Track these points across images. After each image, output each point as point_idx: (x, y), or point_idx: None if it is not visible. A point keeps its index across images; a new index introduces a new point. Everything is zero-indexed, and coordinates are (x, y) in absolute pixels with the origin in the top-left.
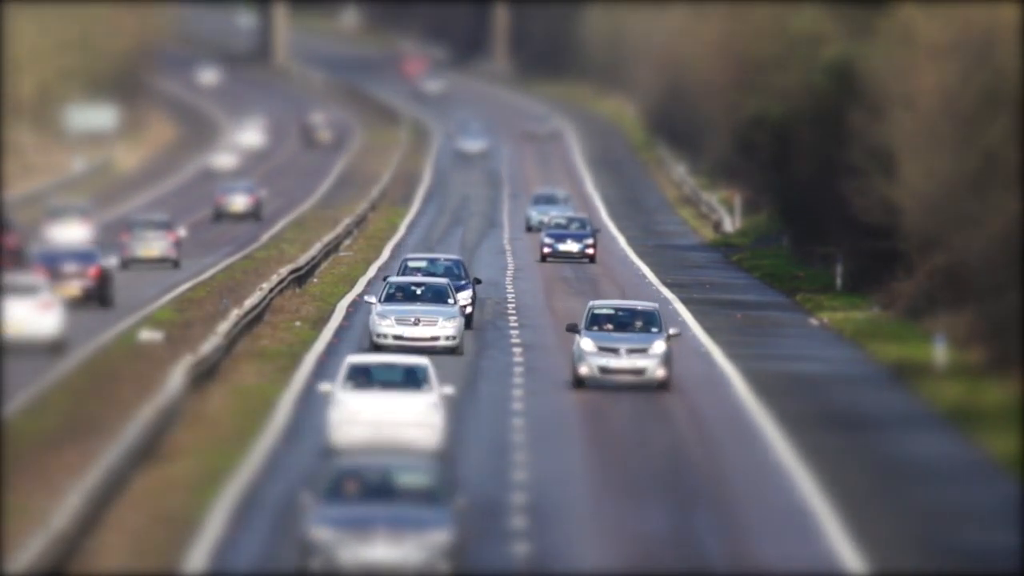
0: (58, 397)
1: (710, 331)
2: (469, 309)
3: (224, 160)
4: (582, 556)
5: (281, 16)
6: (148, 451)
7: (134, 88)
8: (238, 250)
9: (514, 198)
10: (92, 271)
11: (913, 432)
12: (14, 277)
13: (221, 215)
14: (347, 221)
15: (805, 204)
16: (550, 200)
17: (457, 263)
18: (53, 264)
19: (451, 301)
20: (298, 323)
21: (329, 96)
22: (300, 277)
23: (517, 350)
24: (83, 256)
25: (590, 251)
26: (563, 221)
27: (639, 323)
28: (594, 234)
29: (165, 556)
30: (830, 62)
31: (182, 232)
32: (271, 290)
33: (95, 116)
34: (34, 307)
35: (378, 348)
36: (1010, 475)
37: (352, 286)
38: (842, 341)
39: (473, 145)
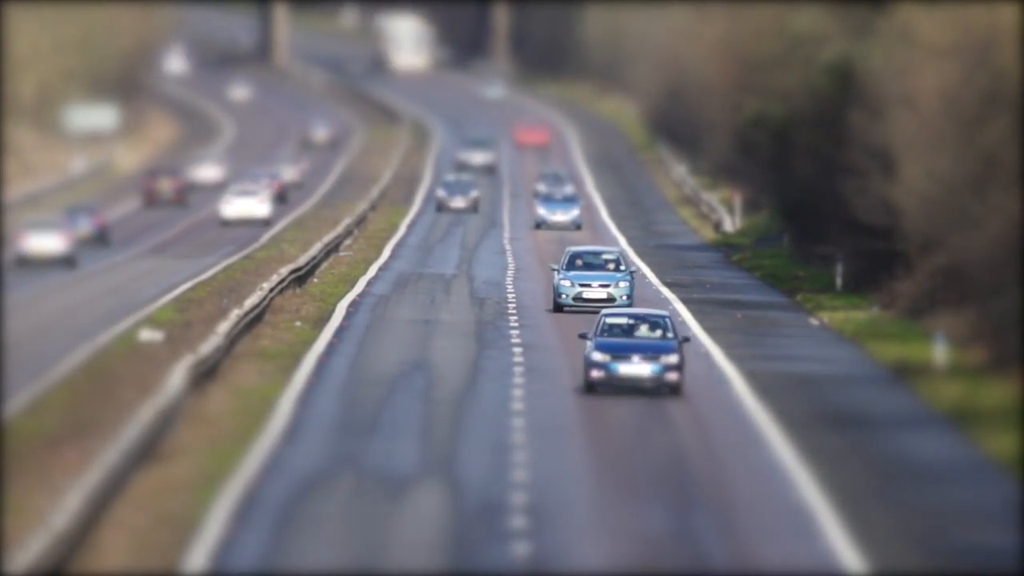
0: (58, 397)
1: (710, 331)
2: None
3: None
4: (582, 556)
5: (281, 16)
6: (148, 451)
7: (134, 88)
8: (239, 249)
9: (515, 197)
10: (276, 185)
11: (913, 432)
12: (244, 184)
13: (308, 144)
14: (347, 221)
15: (805, 204)
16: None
17: None
18: (256, 180)
19: None
20: (298, 323)
21: (329, 95)
22: (300, 277)
23: (517, 350)
24: (276, 176)
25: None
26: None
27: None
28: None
29: (165, 556)
30: (830, 62)
31: (305, 165)
32: (271, 290)
33: (95, 116)
34: (256, 201)
35: None
36: (1010, 475)
37: (352, 286)
38: (842, 341)
39: (563, 216)
